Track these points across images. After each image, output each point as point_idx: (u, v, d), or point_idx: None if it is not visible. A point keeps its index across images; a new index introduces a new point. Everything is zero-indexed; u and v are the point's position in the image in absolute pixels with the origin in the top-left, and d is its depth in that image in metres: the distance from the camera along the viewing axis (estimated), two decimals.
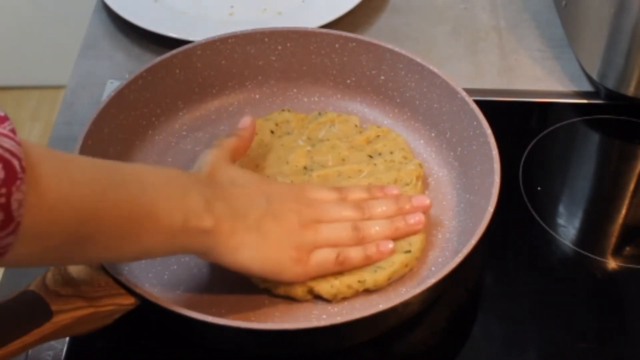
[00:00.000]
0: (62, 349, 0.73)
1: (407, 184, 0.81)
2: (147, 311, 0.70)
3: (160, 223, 0.64)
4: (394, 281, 0.75)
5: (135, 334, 0.74)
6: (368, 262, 0.74)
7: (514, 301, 0.78)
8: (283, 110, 0.89)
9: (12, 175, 0.53)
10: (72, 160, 0.62)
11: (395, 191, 0.79)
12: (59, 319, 0.65)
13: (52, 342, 0.71)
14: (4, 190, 0.52)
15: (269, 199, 0.73)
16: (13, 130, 0.54)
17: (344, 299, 0.74)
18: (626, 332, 0.77)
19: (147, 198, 0.64)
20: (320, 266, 0.73)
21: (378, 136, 0.87)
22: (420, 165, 0.84)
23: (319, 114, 0.89)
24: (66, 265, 0.67)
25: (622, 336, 0.76)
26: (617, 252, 0.83)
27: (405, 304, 0.69)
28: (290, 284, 0.73)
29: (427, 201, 0.78)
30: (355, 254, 0.74)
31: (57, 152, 0.59)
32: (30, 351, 0.72)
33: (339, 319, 0.69)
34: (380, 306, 0.68)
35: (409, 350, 0.75)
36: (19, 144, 0.54)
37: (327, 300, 0.74)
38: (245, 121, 0.81)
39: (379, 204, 0.77)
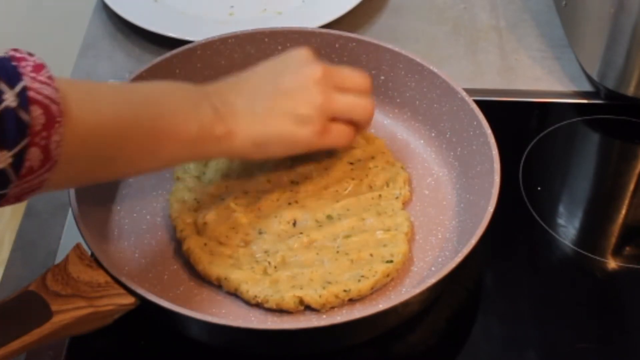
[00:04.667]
0: (62, 349, 0.73)
1: (397, 198, 0.81)
2: (147, 311, 0.70)
3: (178, 136, 0.69)
4: (376, 290, 0.75)
5: (135, 334, 0.74)
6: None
7: (514, 301, 0.78)
8: None
9: (51, 120, 0.58)
10: (95, 89, 0.67)
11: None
12: (59, 319, 0.65)
13: (52, 342, 0.71)
14: (45, 134, 0.58)
15: (275, 79, 0.75)
16: (51, 77, 0.59)
17: (332, 308, 0.74)
18: (626, 332, 0.77)
19: (164, 114, 0.69)
20: (338, 138, 0.77)
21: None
22: (404, 168, 0.83)
23: None
24: (94, 182, 0.73)
25: (622, 336, 0.76)
26: (617, 252, 0.83)
27: (405, 304, 0.69)
28: (281, 297, 0.73)
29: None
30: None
31: (79, 82, 0.66)
32: (30, 351, 0.72)
33: (339, 319, 0.69)
34: (380, 306, 0.68)
35: (409, 350, 0.75)
36: (57, 89, 0.59)
37: (317, 310, 0.74)
38: None
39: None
